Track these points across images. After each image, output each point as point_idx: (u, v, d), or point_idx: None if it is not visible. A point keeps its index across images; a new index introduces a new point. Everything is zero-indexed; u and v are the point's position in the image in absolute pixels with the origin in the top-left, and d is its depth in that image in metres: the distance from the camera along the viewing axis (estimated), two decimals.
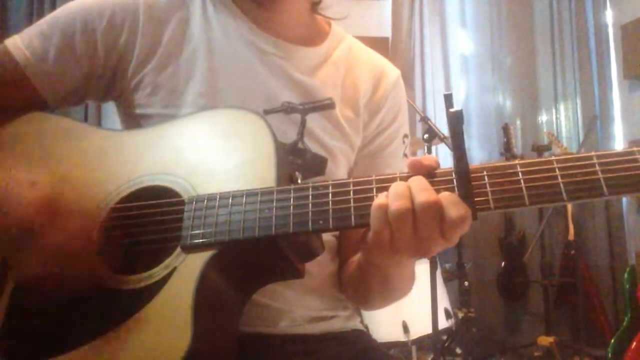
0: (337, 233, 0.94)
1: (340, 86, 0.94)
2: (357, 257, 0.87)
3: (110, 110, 0.96)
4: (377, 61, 1.01)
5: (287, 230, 0.64)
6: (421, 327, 2.27)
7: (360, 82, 0.95)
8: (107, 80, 0.89)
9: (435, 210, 0.59)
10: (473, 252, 3.48)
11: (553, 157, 0.59)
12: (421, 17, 3.80)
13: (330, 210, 0.64)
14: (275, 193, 0.66)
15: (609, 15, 3.79)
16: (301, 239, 0.68)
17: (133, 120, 0.88)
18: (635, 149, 0.57)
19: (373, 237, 0.63)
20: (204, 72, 0.87)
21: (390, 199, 0.61)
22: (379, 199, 0.62)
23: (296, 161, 0.85)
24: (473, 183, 0.60)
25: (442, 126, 2.36)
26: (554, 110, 3.86)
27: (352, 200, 0.64)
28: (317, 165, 0.88)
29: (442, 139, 2.46)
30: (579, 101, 3.79)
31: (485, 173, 0.60)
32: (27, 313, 0.70)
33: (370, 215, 0.62)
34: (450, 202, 0.58)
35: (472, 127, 3.78)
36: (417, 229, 0.60)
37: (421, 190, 0.60)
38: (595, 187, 0.57)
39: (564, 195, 0.58)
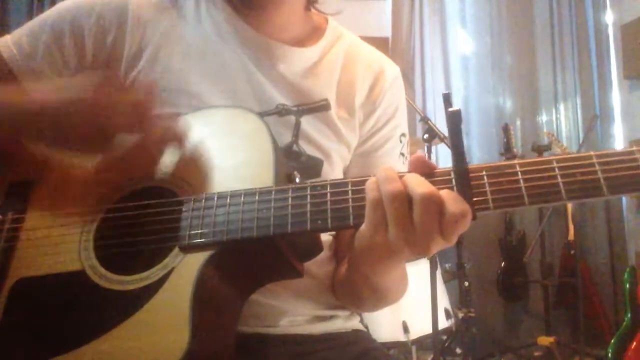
0: (334, 232, 0.94)
1: (336, 86, 0.92)
2: (345, 264, 0.86)
3: None
4: (375, 59, 0.99)
5: (285, 231, 0.64)
6: (421, 327, 2.27)
7: (357, 81, 0.94)
8: None
9: (437, 203, 0.58)
10: (473, 252, 3.47)
11: (552, 157, 0.59)
12: (421, 17, 3.79)
13: (329, 210, 0.63)
14: (273, 193, 0.66)
15: (609, 15, 3.78)
16: (300, 238, 0.68)
17: None
18: (635, 148, 0.57)
19: (368, 228, 0.62)
20: (197, 74, 0.86)
21: (381, 183, 0.60)
22: (369, 182, 0.61)
23: (291, 164, 0.85)
24: (472, 183, 0.59)
25: (442, 126, 2.35)
26: (554, 110, 3.85)
27: (350, 200, 0.63)
28: (312, 167, 0.87)
29: (442, 139, 2.46)
30: (579, 101, 3.79)
31: (484, 173, 0.60)
32: (25, 313, 0.70)
33: (366, 202, 0.61)
34: (451, 198, 0.58)
35: (472, 127, 3.78)
36: (418, 224, 0.59)
37: (419, 184, 0.59)
38: (595, 186, 0.57)
39: (564, 194, 0.57)
